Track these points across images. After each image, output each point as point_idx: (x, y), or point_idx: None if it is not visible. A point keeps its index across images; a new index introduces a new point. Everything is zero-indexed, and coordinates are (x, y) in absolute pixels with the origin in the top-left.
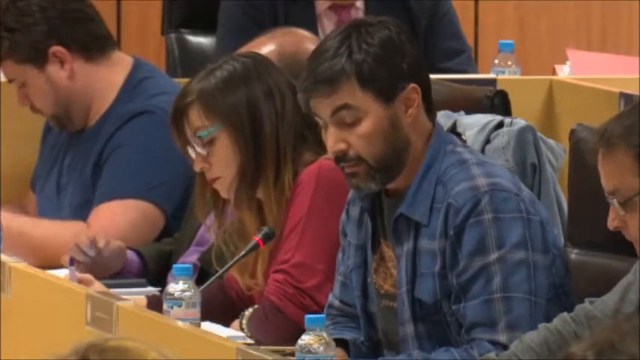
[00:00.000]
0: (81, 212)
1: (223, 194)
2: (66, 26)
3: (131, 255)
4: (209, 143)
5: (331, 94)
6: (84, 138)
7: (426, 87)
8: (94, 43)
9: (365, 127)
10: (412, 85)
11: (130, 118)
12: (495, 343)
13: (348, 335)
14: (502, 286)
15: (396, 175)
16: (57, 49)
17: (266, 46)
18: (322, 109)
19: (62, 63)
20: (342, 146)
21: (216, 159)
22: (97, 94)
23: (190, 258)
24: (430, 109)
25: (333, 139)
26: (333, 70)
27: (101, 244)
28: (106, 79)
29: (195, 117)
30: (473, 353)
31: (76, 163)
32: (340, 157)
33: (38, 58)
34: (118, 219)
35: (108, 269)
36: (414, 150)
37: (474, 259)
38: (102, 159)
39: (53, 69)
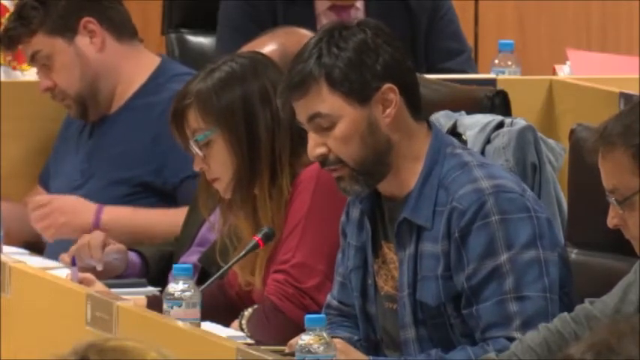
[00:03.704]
0: (105, 193)
1: (222, 194)
2: (98, 1)
3: (133, 257)
4: (206, 145)
5: (301, 97)
6: (110, 122)
7: (408, 87)
8: (125, 25)
9: (340, 129)
10: (388, 85)
11: None
12: (511, 339)
13: (340, 334)
14: (515, 287)
15: (380, 177)
16: (88, 20)
17: (268, 46)
18: (299, 114)
19: (92, 37)
20: (321, 150)
21: (214, 161)
22: (124, 77)
23: (191, 258)
24: (416, 110)
25: (312, 144)
26: (302, 74)
27: (99, 254)
28: (134, 65)
29: (193, 119)
30: (488, 349)
31: (102, 147)
32: (322, 162)
33: (69, 29)
34: None
35: (109, 272)
36: (399, 151)
37: (483, 262)
38: (169, 142)
39: (83, 41)
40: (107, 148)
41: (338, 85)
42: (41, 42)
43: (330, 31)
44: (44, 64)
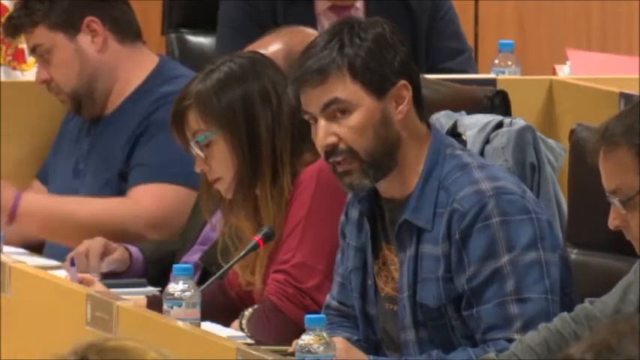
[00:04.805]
0: (100, 193)
1: (224, 195)
2: (104, 1)
3: (136, 253)
4: (207, 146)
5: (321, 83)
6: (102, 124)
7: (416, 87)
8: (127, 26)
9: (356, 118)
10: (403, 81)
11: (169, 101)
12: (512, 341)
13: (340, 334)
14: (516, 289)
15: (388, 171)
16: (91, 19)
17: (272, 45)
18: (312, 102)
19: (94, 36)
20: (332, 139)
21: (215, 162)
22: (121, 78)
23: (193, 257)
24: (420, 110)
25: (323, 132)
26: (324, 62)
27: (95, 262)
28: (133, 66)
29: (193, 121)
30: (489, 351)
31: (95, 149)
32: (330, 152)
33: (71, 26)
34: (158, 203)
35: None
36: (406, 150)
37: (484, 264)
38: (139, 132)
39: (84, 40)
40: (100, 149)
41: (360, 74)
42: (43, 35)
43: (349, 24)
44: (43, 57)
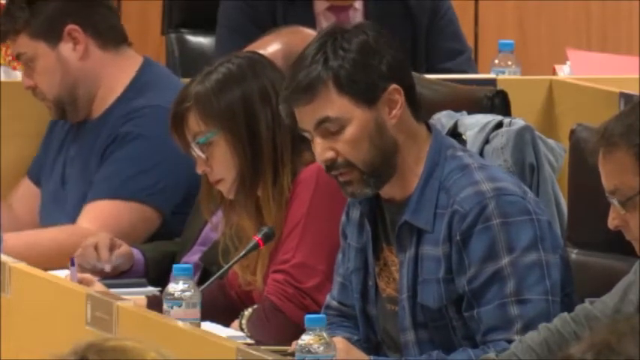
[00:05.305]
0: (83, 200)
1: (226, 195)
2: (85, 8)
3: (138, 255)
4: (208, 147)
5: (310, 101)
6: (87, 130)
7: (410, 88)
8: (110, 32)
9: (350, 132)
10: (393, 86)
11: (137, 115)
12: (512, 342)
13: (340, 334)
14: (516, 290)
15: (388, 178)
16: (72, 27)
17: (272, 45)
18: (305, 119)
19: (75, 44)
20: (330, 154)
21: (216, 162)
22: (104, 84)
23: (193, 257)
24: (417, 111)
25: (320, 149)
26: (310, 78)
27: (106, 255)
28: (116, 72)
29: (194, 122)
30: (489, 352)
31: (79, 155)
32: (330, 166)
33: (52, 35)
34: (113, 221)
35: (114, 269)
36: (404, 153)
37: (485, 266)
38: (106, 145)
39: (65, 48)
40: (82, 155)
41: (346, 87)
42: (25, 44)
43: (332, 34)
44: (28, 65)
